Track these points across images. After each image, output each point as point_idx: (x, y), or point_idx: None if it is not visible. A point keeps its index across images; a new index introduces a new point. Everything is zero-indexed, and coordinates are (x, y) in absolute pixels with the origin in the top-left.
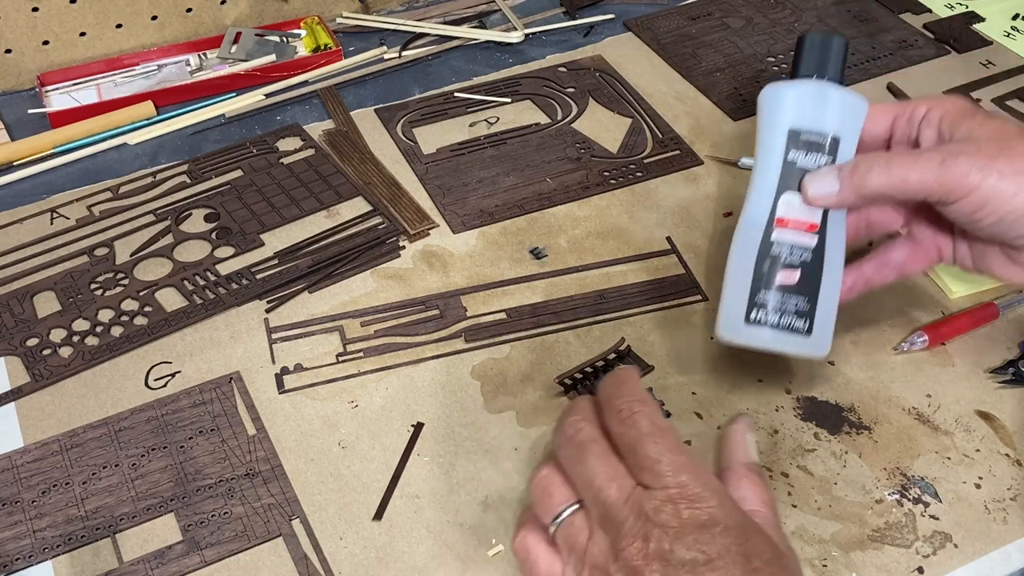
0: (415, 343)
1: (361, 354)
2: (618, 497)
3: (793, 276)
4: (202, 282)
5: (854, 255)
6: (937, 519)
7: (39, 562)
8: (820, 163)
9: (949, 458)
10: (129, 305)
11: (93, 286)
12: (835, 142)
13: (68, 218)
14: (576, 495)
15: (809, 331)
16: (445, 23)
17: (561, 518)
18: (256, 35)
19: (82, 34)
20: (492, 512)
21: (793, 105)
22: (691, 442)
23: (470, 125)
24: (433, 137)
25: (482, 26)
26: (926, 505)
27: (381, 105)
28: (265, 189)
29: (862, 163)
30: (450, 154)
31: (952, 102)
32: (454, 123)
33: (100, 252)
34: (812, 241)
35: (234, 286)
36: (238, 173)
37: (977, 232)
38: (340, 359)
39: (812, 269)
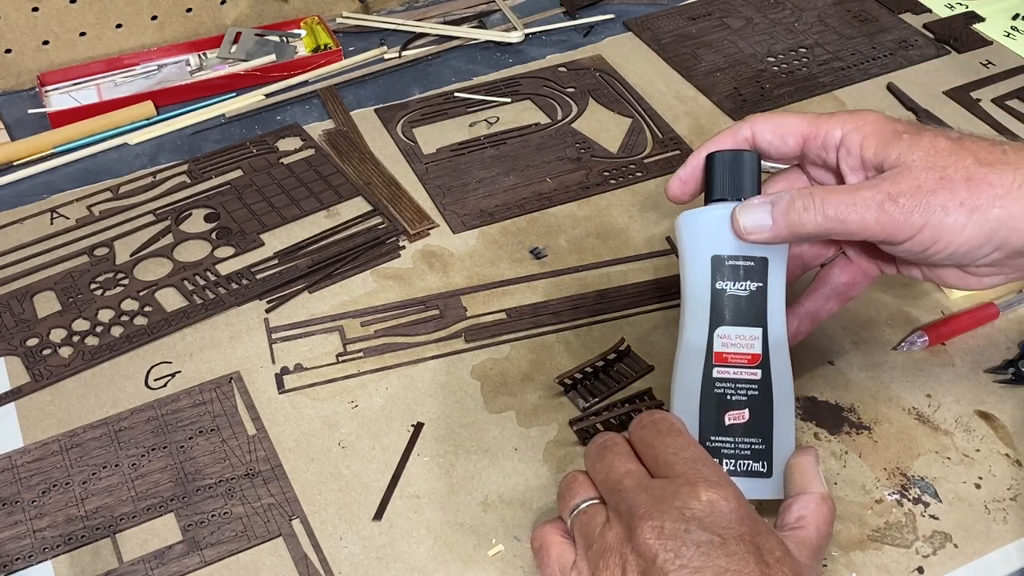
0: (415, 343)
1: (361, 354)
2: (634, 485)
3: (742, 415)
4: (202, 282)
5: (792, 292)
6: (937, 519)
7: (39, 562)
8: (751, 289)
9: (949, 458)
10: (129, 305)
11: (93, 286)
12: (763, 263)
13: (68, 218)
14: (597, 493)
15: (769, 472)
16: (445, 23)
17: (578, 509)
18: (256, 35)
19: (82, 34)
20: (492, 512)
21: (712, 231)
22: None
23: (470, 125)
24: (433, 137)
25: (482, 26)
26: (926, 505)
27: (381, 105)
28: (265, 189)
29: (797, 199)
30: (450, 154)
31: (870, 123)
32: (454, 123)
33: (100, 252)
34: (756, 374)
35: (234, 286)
36: (238, 173)
37: (928, 264)
38: (340, 359)
39: (761, 404)
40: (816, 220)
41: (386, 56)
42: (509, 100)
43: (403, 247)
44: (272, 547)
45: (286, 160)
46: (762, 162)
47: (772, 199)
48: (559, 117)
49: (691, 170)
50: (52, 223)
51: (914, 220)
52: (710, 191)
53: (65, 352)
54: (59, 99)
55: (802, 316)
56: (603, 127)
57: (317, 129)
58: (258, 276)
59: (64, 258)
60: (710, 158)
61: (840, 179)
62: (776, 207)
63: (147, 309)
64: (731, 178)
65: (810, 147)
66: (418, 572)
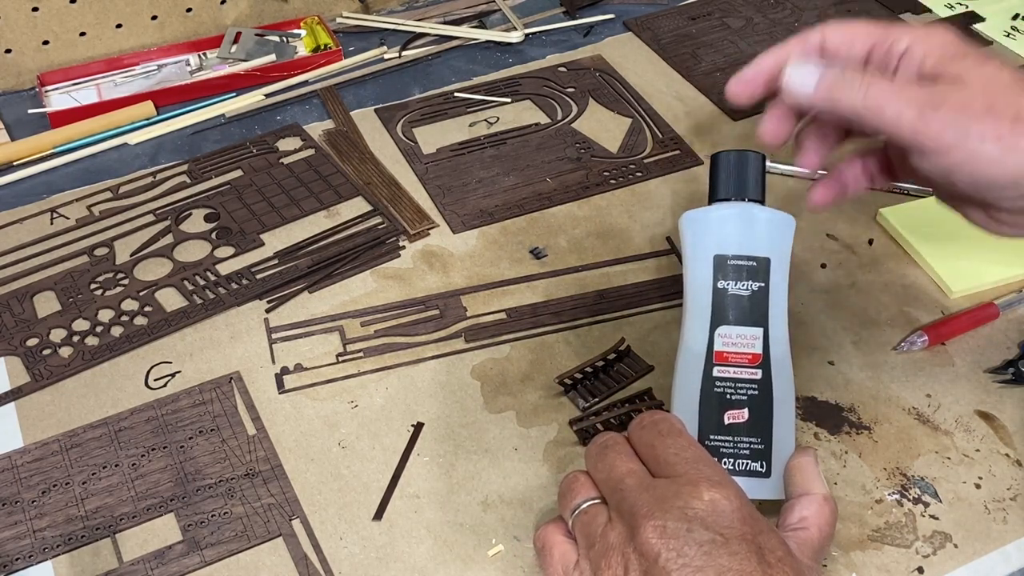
0: (415, 343)
1: (361, 354)
2: (636, 484)
3: (741, 415)
4: (202, 282)
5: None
6: (937, 519)
7: (39, 562)
8: (752, 288)
9: (949, 458)
10: (129, 305)
11: (93, 286)
12: (765, 263)
13: (68, 218)
14: (598, 492)
15: (768, 472)
16: (445, 23)
17: (579, 509)
18: (256, 35)
19: (82, 34)
20: (492, 512)
21: (715, 231)
22: None
23: (470, 125)
24: (433, 137)
25: (482, 26)
26: (926, 505)
27: (381, 105)
28: (265, 189)
29: (847, 72)
30: (450, 154)
31: (938, 36)
32: (454, 123)
33: (100, 252)
34: (756, 374)
35: (234, 286)
36: (238, 173)
37: (950, 188)
38: (340, 359)
39: (761, 404)
40: (856, 97)
41: (386, 56)
42: (509, 100)
43: (403, 247)
44: (272, 547)
45: (286, 160)
46: (768, 164)
47: (825, 65)
48: (559, 117)
49: (756, 71)
50: (52, 223)
51: (948, 137)
52: (714, 190)
53: (65, 352)
54: (59, 99)
55: (834, 182)
56: (603, 127)
57: (317, 129)
58: (258, 276)
59: (64, 258)
60: (715, 157)
61: None
62: (825, 74)
63: (147, 309)
64: (736, 178)
65: (876, 52)
66: (418, 572)
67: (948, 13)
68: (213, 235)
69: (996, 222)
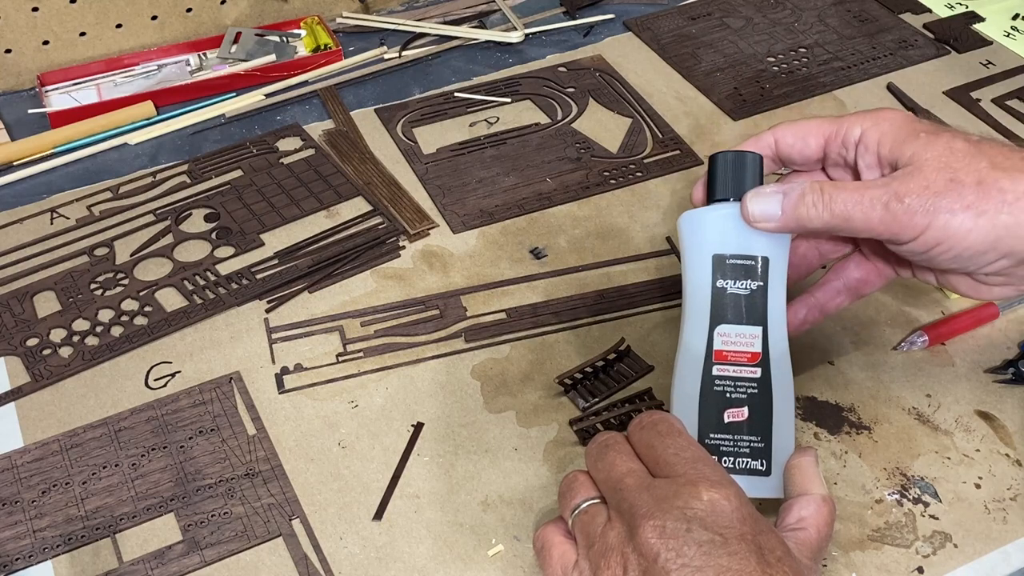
0: (415, 343)
1: (361, 354)
2: (635, 484)
3: (741, 413)
4: (202, 282)
5: (804, 284)
6: (937, 519)
7: (39, 562)
8: (751, 288)
9: (949, 458)
10: (129, 305)
11: (93, 286)
12: (764, 263)
13: (68, 218)
14: (598, 492)
15: (768, 471)
16: (445, 23)
17: (579, 509)
18: (256, 35)
19: (82, 34)
20: (492, 512)
21: (713, 231)
22: None
23: (470, 125)
24: (433, 137)
25: (482, 26)
26: (926, 505)
27: (381, 105)
28: (265, 189)
29: (808, 193)
30: (450, 154)
31: (889, 120)
32: (454, 123)
33: (100, 252)
34: (756, 373)
35: (234, 286)
36: (238, 173)
37: (934, 266)
38: (340, 359)
39: (760, 403)
40: (823, 216)
41: (386, 56)
42: (509, 100)
43: (403, 247)
44: (272, 547)
45: (286, 160)
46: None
47: (784, 189)
48: (559, 117)
49: None
50: (52, 223)
51: (918, 221)
52: (712, 191)
53: (65, 352)
54: (59, 99)
55: (810, 306)
56: (603, 127)
57: (317, 129)
58: (258, 276)
59: (64, 258)
60: (713, 158)
61: (858, 177)
62: (787, 198)
63: (147, 309)
64: (733, 178)
65: (831, 147)
66: (418, 572)
67: (948, 13)
68: (213, 235)
69: (985, 286)
